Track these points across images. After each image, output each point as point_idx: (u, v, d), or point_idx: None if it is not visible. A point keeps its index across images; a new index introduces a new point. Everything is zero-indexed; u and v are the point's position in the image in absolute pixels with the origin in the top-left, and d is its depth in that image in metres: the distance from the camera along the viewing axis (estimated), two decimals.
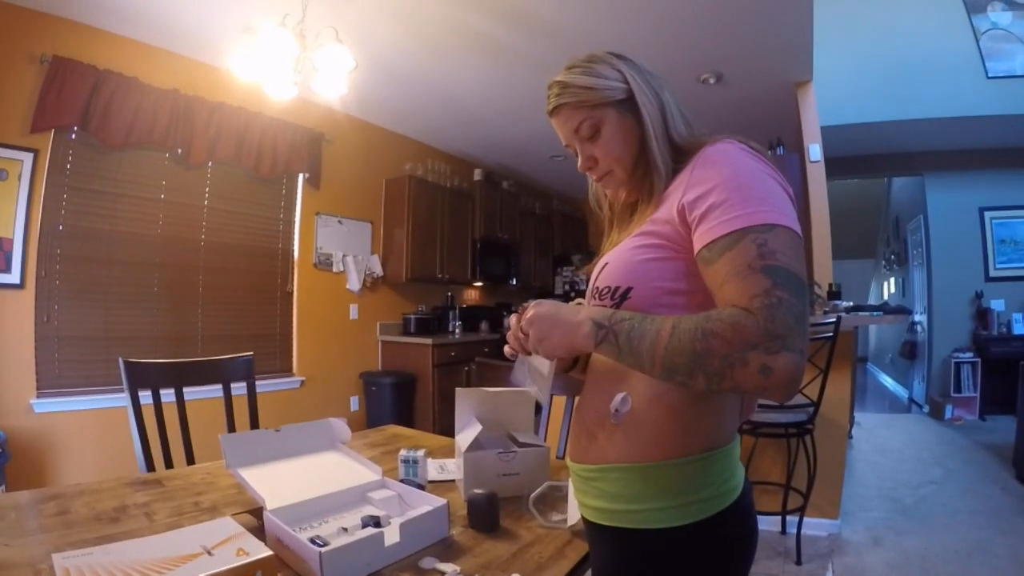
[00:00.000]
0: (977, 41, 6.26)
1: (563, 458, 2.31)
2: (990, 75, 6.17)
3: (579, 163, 1.24)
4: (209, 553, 1.07)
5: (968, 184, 7.53)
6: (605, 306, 1.07)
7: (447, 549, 1.33)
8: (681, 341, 0.89)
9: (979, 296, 7.35)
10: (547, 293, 9.18)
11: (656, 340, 0.92)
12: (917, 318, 8.65)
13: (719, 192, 0.97)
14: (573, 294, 9.20)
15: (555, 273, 9.62)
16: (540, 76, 5.17)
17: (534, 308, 1.08)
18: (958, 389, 7.16)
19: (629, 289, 1.06)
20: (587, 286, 1.29)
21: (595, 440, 1.13)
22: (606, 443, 1.10)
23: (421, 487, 1.59)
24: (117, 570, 1.00)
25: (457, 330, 7.02)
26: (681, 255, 1.04)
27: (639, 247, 1.09)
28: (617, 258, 1.12)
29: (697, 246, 0.98)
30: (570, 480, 1.57)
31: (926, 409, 7.73)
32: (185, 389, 2.38)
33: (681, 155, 1.13)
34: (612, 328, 0.97)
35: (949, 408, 7.14)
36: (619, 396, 1.06)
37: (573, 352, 1.08)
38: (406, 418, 5.82)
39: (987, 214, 7.48)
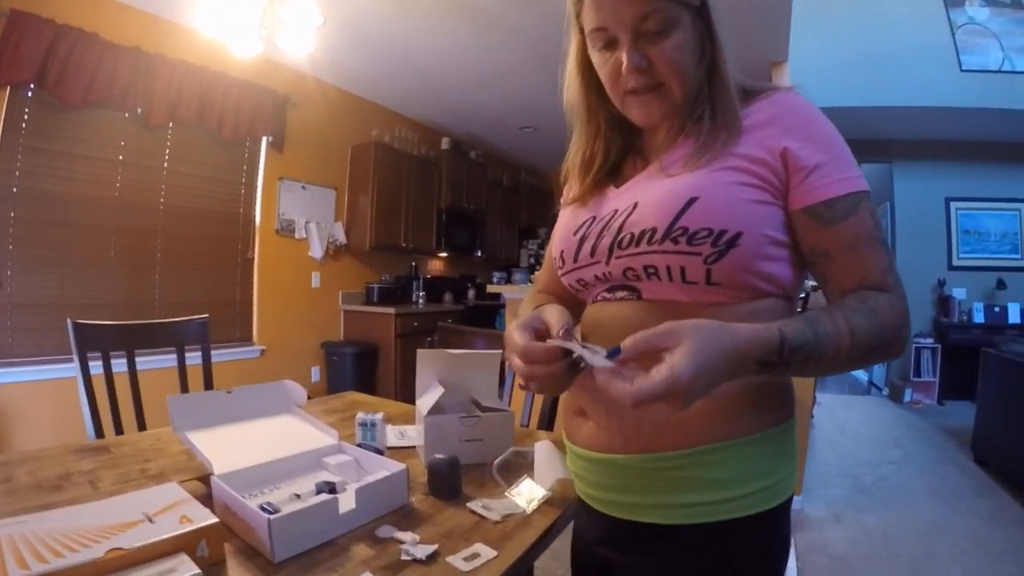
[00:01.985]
0: (953, 34, 6.32)
1: (527, 426, 2.26)
2: (964, 68, 6.25)
3: (625, 62, 0.93)
4: (150, 520, 1.00)
5: (936, 174, 7.62)
6: (701, 254, 0.88)
7: (406, 517, 1.27)
8: (861, 344, 0.82)
9: (941, 284, 7.45)
10: (512, 265, 9.10)
11: (836, 354, 0.82)
12: None
13: (824, 147, 0.92)
14: (539, 267, 9.12)
15: (521, 246, 9.59)
16: (516, 42, 5.21)
17: (692, 337, 0.72)
18: (918, 373, 7.29)
19: (738, 235, 0.87)
20: (590, 223, 1.06)
21: (672, 421, 0.92)
22: (699, 420, 0.91)
23: (379, 452, 1.52)
24: (51, 539, 0.93)
25: (421, 300, 6.98)
26: (778, 202, 0.92)
27: (739, 184, 0.90)
28: (713, 193, 0.90)
29: (808, 199, 0.90)
30: (537, 447, 1.51)
31: (886, 392, 7.84)
32: (139, 358, 2.29)
33: (741, 93, 0.98)
34: (784, 361, 0.78)
35: (908, 391, 7.26)
36: None
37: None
38: (368, 389, 5.74)
39: (953, 204, 7.59)
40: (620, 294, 1.01)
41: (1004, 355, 4.33)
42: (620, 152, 1.13)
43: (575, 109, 1.12)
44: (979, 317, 7.22)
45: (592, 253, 1.03)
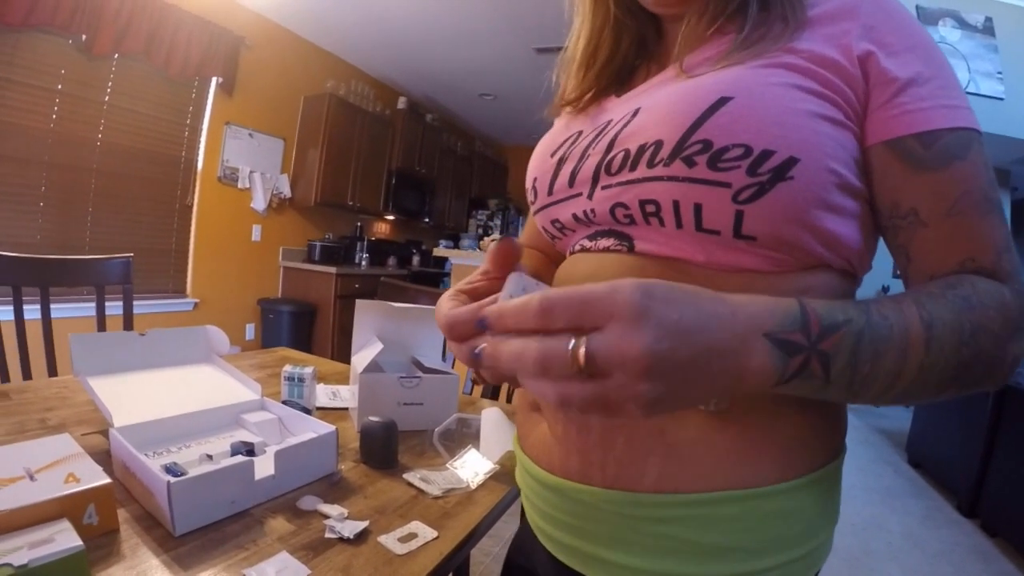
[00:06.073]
0: None
1: (470, 394, 2.12)
2: None
3: None
4: (31, 478, 0.84)
5: None
6: (730, 184, 0.56)
7: (333, 487, 1.13)
8: (942, 351, 0.51)
9: (885, 290, 7.49)
10: (459, 235, 8.94)
11: (905, 355, 0.50)
12: None
13: (924, 56, 0.60)
14: (486, 238, 8.95)
15: (470, 216, 9.42)
16: (486, 6, 5.04)
17: (647, 324, 0.40)
18: None
19: (791, 162, 0.55)
20: (574, 138, 0.75)
21: (658, 448, 0.61)
22: (697, 452, 0.60)
23: (307, 411, 1.37)
24: None
25: (364, 262, 6.84)
26: (851, 126, 0.60)
27: (795, 87, 0.58)
28: (756, 93, 0.58)
29: (896, 128, 0.58)
30: (484, 415, 1.37)
31: None
32: (57, 304, 2.12)
33: None
34: (817, 349, 0.47)
35: None
36: None
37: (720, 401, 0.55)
38: (303, 349, 5.49)
39: None
40: (604, 243, 0.69)
41: None
42: (632, 50, 0.80)
43: None
44: None
45: (571, 182, 0.72)
